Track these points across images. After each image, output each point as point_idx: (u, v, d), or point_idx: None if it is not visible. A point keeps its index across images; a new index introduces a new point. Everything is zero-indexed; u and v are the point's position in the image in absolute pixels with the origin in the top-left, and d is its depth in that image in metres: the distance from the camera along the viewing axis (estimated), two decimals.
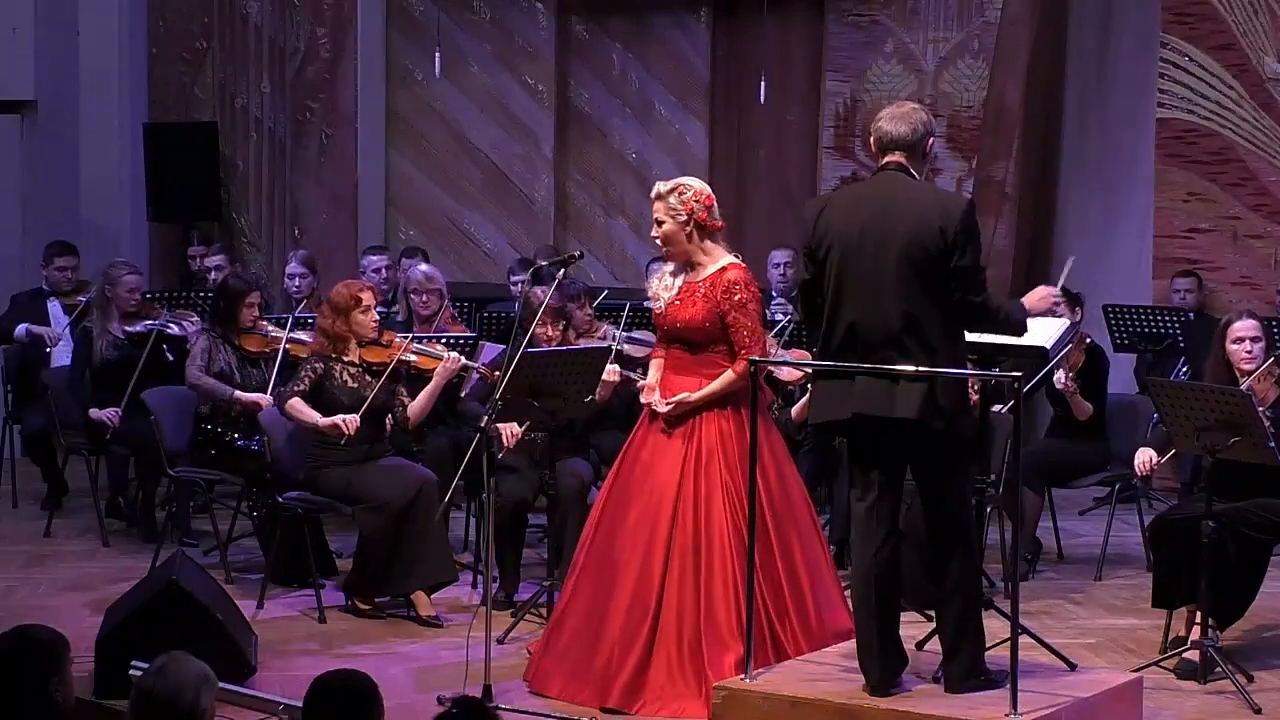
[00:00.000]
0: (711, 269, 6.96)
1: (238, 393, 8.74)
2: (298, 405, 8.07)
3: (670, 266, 7.08)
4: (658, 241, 7.03)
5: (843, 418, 6.05)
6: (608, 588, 6.87)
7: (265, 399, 8.64)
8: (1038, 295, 6.37)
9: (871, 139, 6.16)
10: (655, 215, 6.99)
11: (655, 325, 7.19)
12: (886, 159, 6.09)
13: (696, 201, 6.92)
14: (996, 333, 6.19)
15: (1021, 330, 6.20)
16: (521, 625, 7.64)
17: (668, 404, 6.92)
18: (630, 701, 6.68)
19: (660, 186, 7.00)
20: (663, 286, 7.02)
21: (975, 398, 8.61)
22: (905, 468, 6.12)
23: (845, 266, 6.02)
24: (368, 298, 8.20)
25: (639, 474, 6.95)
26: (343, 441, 7.99)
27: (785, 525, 6.93)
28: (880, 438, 6.02)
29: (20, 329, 10.31)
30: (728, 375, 6.86)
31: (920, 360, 5.90)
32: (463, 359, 8.38)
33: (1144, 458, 7.43)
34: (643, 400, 7.08)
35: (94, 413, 9.36)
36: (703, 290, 6.91)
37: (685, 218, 6.92)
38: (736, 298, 6.88)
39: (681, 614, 6.74)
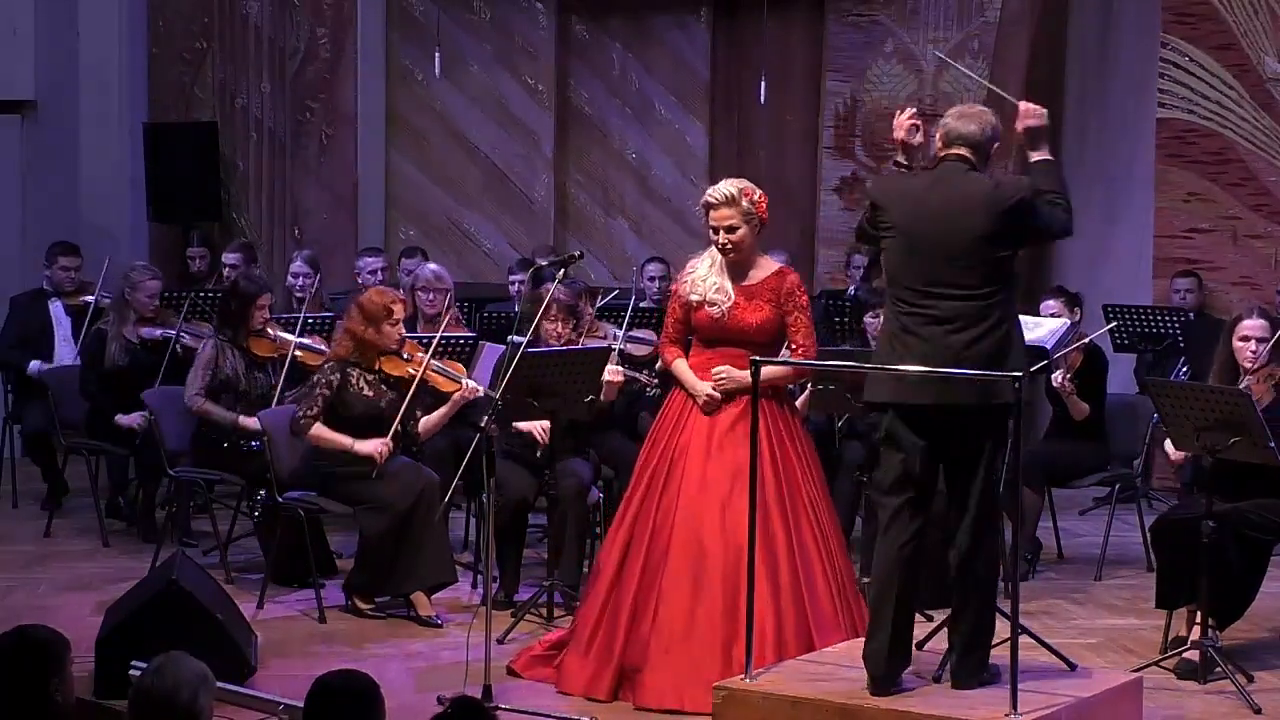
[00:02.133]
0: (768, 272, 6.99)
1: (241, 419, 8.69)
2: (322, 431, 8.01)
3: (705, 266, 7.02)
4: (728, 249, 6.91)
5: (902, 401, 6.03)
6: (708, 591, 6.76)
7: (255, 424, 8.59)
8: (1026, 115, 6.20)
9: (938, 134, 6.17)
10: (726, 222, 6.88)
11: (701, 327, 7.01)
12: (948, 151, 6.12)
13: (763, 203, 6.95)
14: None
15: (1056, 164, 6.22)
16: (521, 625, 7.64)
17: (717, 377, 6.93)
18: None
19: (727, 191, 6.90)
20: (712, 289, 6.96)
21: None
22: (939, 465, 6.11)
23: (906, 250, 6.05)
24: (399, 310, 8.13)
25: (713, 472, 6.86)
26: (373, 474, 7.98)
27: (833, 512, 7.03)
28: (926, 427, 6.02)
29: (33, 366, 10.19)
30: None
31: (976, 343, 5.92)
32: (481, 389, 8.30)
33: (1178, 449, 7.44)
34: (703, 400, 6.97)
35: (121, 419, 9.33)
36: (766, 296, 6.94)
37: (758, 221, 6.94)
38: (799, 300, 6.97)
39: (793, 604, 6.71)
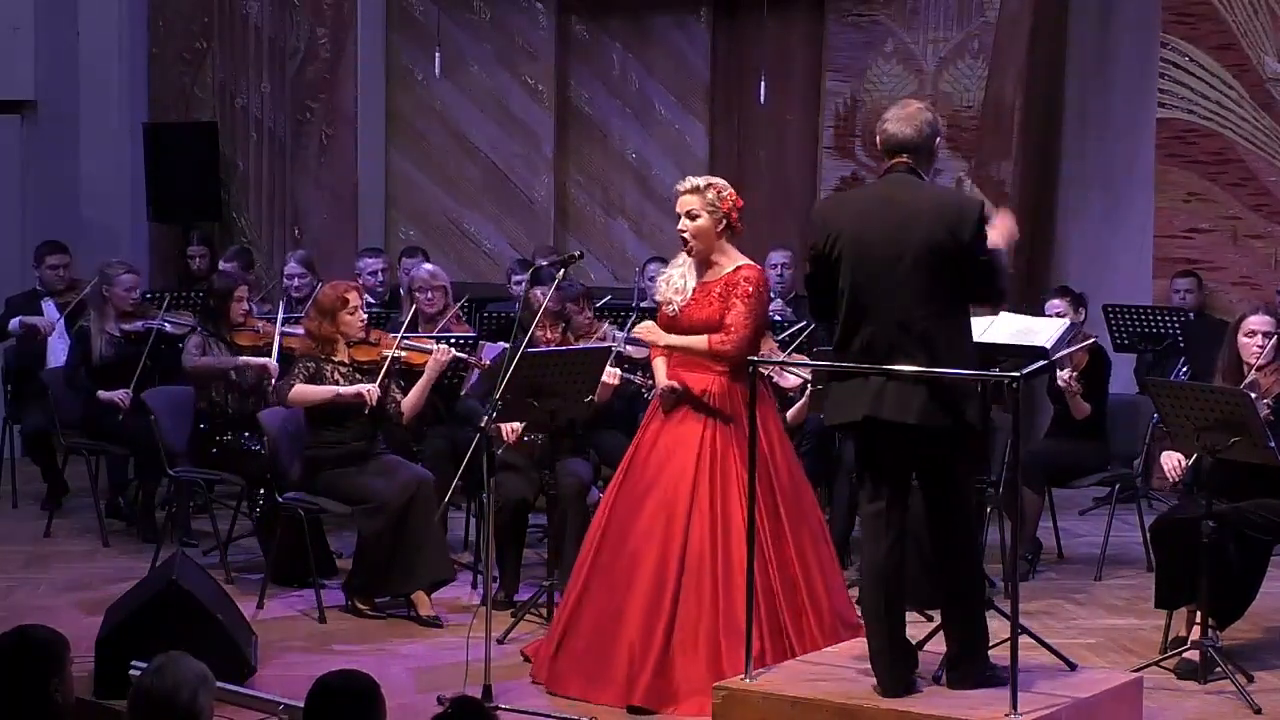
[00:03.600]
0: (727, 269, 7.00)
1: (244, 357, 8.75)
2: (302, 389, 8.05)
3: (678, 268, 7.07)
4: (685, 236, 7.00)
5: (855, 419, 6.03)
6: (623, 587, 6.87)
7: (272, 363, 8.66)
8: (1002, 229, 6.13)
9: (877, 139, 6.13)
10: (689, 209, 6.98)
11: (663, 326, 7.09)
12: (893, 160, 6.07)
13: (732, 202, 6.97)
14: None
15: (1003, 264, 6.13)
16: (521, 625, 7.64)
17: (642, 334, 7.10)
18: (659, 701, 6.68)
19: (695, 181, 7.02)
20: (673, 289, 7.04)
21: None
22: (912, 471, 6.10)
23: (858, 271, 5.98)
24: (354, 298, 8.19)
25: (652, 472, 6.95)
26: (365, 410, 8.01)
27: (797, 521, 6.96)
28: (893, 440, 6.01)
29: (14, 322, 10.32)
30: (703, 341, 6.90)
31: (934, 362, 5.88)
32: (453, 350, 8.37)
33: (1172, 462, 7.42)
34: (659, 390, 7.04)
35: (103, 394, 9.38)
36: (718, 290, 6.96)
37: (722, 216, 6.96)
38: (741, 290, 6.92)
39: (700, 611, 6.74)
